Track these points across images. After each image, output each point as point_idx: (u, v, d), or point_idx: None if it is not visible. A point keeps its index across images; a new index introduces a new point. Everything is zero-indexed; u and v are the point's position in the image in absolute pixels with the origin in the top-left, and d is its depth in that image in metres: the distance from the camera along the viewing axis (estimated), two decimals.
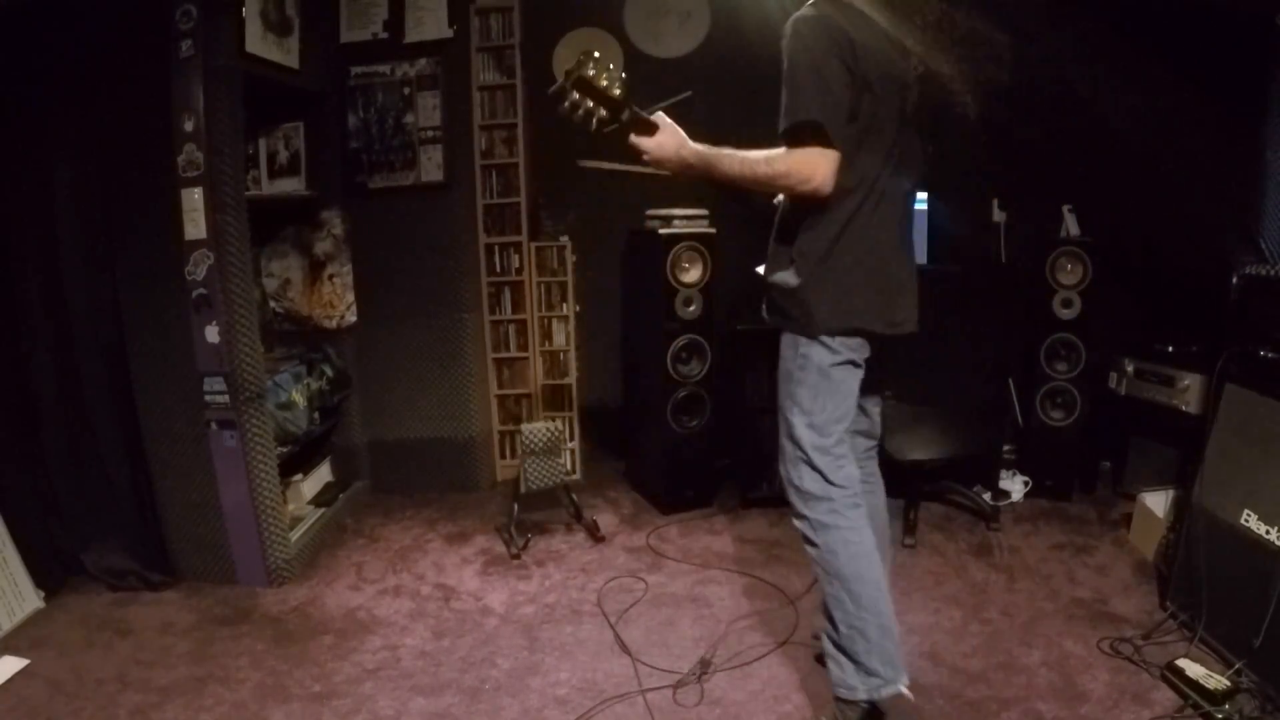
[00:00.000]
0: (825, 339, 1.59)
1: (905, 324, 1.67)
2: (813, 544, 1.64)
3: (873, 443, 1.93)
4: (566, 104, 1.51)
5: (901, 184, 1.63)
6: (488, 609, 2.48)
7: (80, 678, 2.13)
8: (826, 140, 1.45)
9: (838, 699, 1.68)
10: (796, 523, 1.68)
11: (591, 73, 1.48)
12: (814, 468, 1.62)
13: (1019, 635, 2.23)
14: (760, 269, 1.74)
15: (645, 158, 1.61)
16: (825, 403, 1.61)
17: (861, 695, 1.63)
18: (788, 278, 1.60)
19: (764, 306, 1.73)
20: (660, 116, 1.59)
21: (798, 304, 1.59)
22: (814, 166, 1.46)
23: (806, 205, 1.55)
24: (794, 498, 1.67)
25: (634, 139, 1.59)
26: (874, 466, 1.92)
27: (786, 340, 1.65)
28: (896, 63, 1.59)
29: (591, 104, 1.51)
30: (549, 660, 2.19)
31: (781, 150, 1.49)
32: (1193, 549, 2.15)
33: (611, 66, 1.50)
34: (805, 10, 1.50)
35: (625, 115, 1.54)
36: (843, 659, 1.65)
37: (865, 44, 1.48)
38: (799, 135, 1.47)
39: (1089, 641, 2.17)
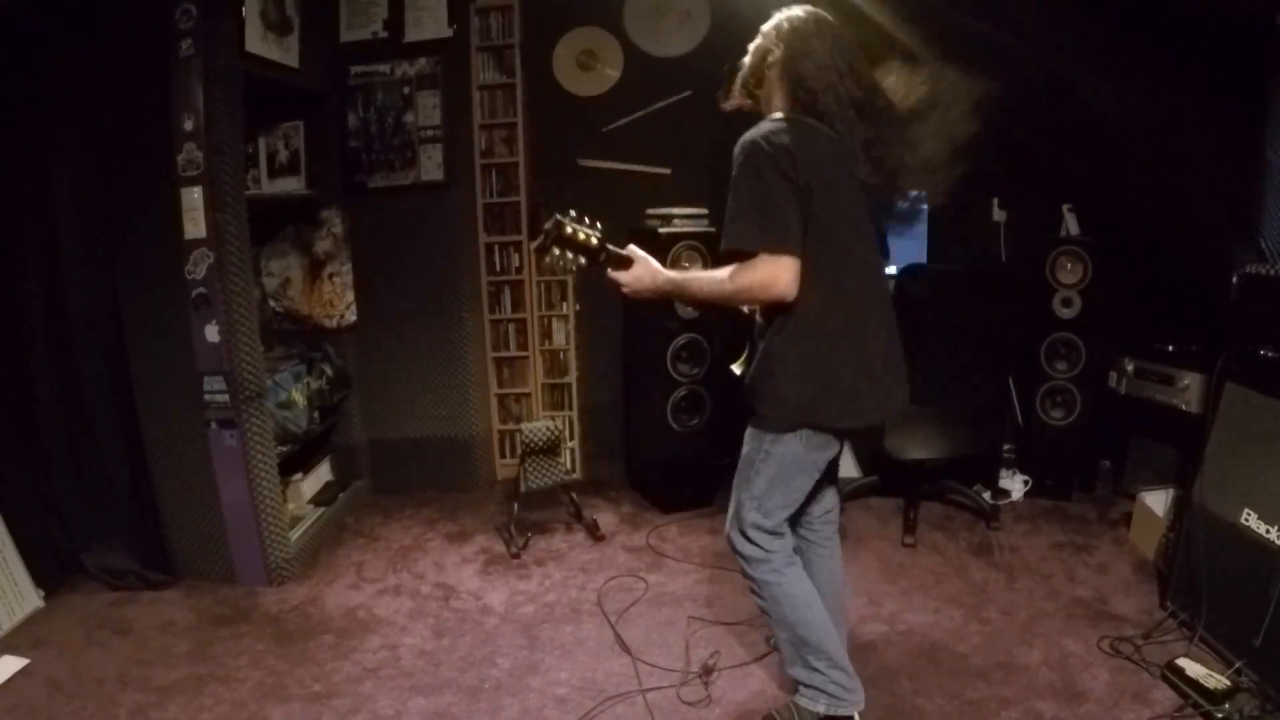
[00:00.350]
0: (790, 437, 1.67)
1: (876, 414, 1.70)
2: (760, 597, 1.79)
3: (831, 508, 1.98)
4: (547, 259, 1.71)
5: (870, 274, 1.71)
6: (488, 608, 2.48)
7: (80, 677, 2.13)
8: (780, 251, 1.53)
9: (798, 706, 1.81)
10: (747, 583, 1.81)
11: (570, 230, 1.67)
12: (751, 541, 1.75)
13: (1019, 635, 2.23)
14: (735, 368, 1.87)
15: (624, 290, 1.73)
16: (776, 493, 1.72)
17: (821, 709, 1.79)
18: (761, 376, 1.69)
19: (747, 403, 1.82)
20: (633, 250, 1.72)
21: (765, 401, 1.69)
22: (774, 276, 1.54)
23: (777, 309, 1.63)
24: (739, 559, 1.80)
25: (612, 273, 1.73)
26: (833, 531, 1.98)
27: (752, 435, 1.75)
28: (848, 163, 1.64)
29: (571, 255, 1.69)
30: (549, 660, 2.19)
31: (743, 265, 1.57)
32: (1193, 548, 2.16)
33: (586, 220, 1.70)
34: (752, 132, 1.59)
35: (603, 257, 1.71)
36: (808, 680, 1.80)
37: (808, 154, 1.55)
38: (739, 254, 1.56)
39: (1089, 641, 2.17)
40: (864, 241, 1.69)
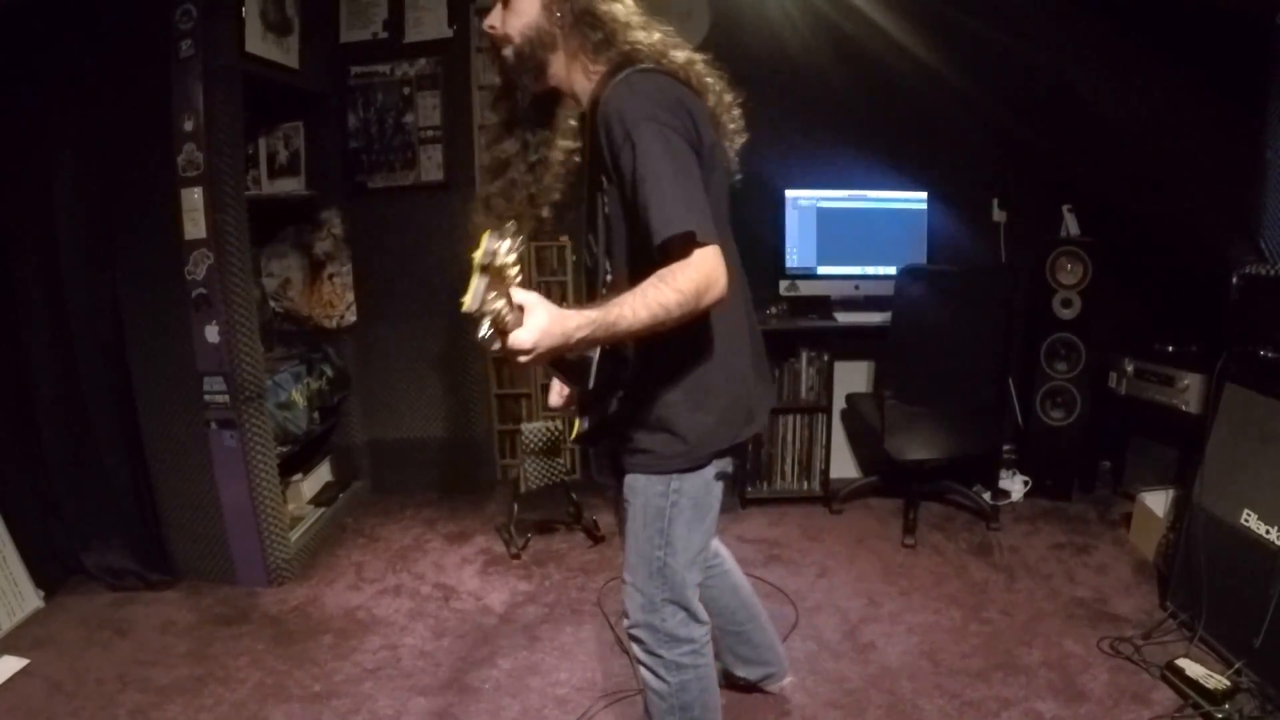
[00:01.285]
0: (699, 468, 1.41)
1: (764, 415, 1.51)
2: (663, 681, 1.50)
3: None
4: (485, 330, 1.06)
5: (736, 258, 1.41)
6: (488, 609, 2.48)
7: (80, 678, 2.13)
8: (709, 239, 1.17)
9: None
10: (646, 660, 1.50)
11: (503, 260, 1.02)
12: (684, 607, 1.47)
13: (1019, 635, 2.23)
14: (572, 440, 1.52)
15: (522, 359, 1.11)
16: (697, 530, 1.45)
17: None
18: (655, 407, 1.37)
19: (609, 463, 1.54)
20: (522, 295, 1.10)
21: (664, 438, 1.37)
22: (717, 270, 1.17)
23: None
24: (650, 640, 1.49)
25: (512, 340, 1.09)
26: (716, 545, 1.84)
27: (651, 482, 1.41)
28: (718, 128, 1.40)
29: (505, 306, 1.06)
30: (549, 660, 2.19)
31: (676, 266, 1.16)
32: (1193, 549, 2.16)
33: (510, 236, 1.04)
34: (621, 87, 1.23)
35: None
36: None
37: (697, 111, 1.28)
38: (685, 243, 1.16)
39: (1089, 641, 2.17)
40: (727, 220, 1.41)
